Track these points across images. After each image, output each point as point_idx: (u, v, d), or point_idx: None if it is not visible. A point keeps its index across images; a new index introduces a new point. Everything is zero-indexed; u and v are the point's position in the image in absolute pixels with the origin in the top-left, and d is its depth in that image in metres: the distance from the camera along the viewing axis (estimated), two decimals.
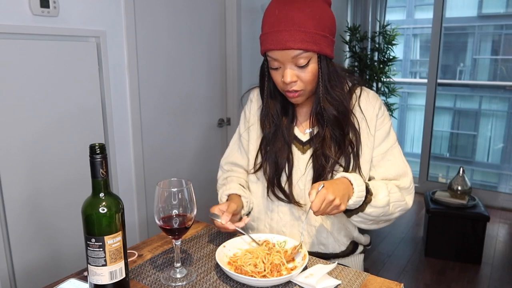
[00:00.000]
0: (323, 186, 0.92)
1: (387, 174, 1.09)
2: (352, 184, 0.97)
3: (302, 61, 0.98)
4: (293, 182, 1.12)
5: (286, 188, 1.12)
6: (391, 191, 1.04)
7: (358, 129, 1.08)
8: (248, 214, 1.21)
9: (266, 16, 1.01)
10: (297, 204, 1.12)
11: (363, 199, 0.98)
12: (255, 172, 1.17)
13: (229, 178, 1.24)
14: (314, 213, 0.91)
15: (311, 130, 1.11)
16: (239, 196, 1.15)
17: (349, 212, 1.03)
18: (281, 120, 1.12)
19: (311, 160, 1.10)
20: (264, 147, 1.14)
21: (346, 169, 1.07)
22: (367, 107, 1.09)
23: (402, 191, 1.09)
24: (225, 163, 1.30)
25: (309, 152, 1.11)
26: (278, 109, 1.12)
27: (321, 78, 1.01)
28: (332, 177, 1.07)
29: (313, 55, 0.98)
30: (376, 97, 1.12)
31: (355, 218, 1.03)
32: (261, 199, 1.18)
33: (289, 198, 1.12)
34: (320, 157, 1.06)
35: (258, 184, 1.18)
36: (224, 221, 1.00)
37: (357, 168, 1.08)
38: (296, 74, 0.99)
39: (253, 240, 1.04)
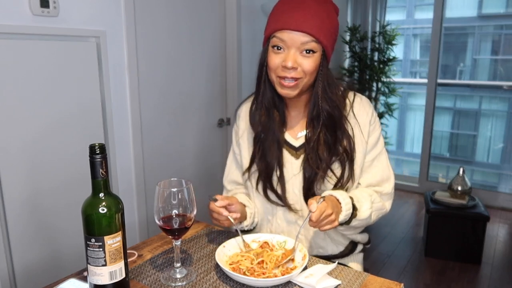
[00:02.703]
0: (323, 200, 0.93)
1: (372, 180, 1.13)
2: (340, 203, 1.00)
3: (309, 49, 0.97)
4: (286, 186, 1.11)
5: (279, 190, 1.12)
6: (374, 201, 1.08)
7: (352, 136, 1.07)
8: (252, 229, 1.20)
9: (283, 1, 1.02)
10: (291, 208, 1.12)
11: (350, 216, 1.02)
12: (248, 170, 1.16)
13: (235, 194, 1.23)
14: (311, 222, 0.92)
15: (305, 132, 1.09)
16: (244, 206, 1.14)
17: None
18: (274, 114, 1.09)
19: (302, 166, 1.09)
20: (255, 147, 1.13)
21: (341, 176, 1.08)
22: (361, 112, 1.10)
23: (383, 196, 1.13)
24: (227, 182, 1.28)
25: (302, 157, 1.10)
26: (269, 106, 1.09)
27: (320, 76, 1.01)
28: (324, 183, 1.08)
29: (319, 48, 0.99)
30: (368, 103, 1.13)
31: (339, 228, 1.09)
32: (261, 206, 1.19)
33: (282, 200, 1.11)
34: (315, 160, 1.05)
35: (254, 190, 1.18)
36: (218, 203, 0.99)
37: (351, 174, 1.09)
38: (298, 61, 0.98)
39: (242, 239, 1.03)
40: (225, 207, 1.02)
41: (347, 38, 3.73)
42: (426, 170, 3.94)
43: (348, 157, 1.07)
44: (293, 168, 1.10)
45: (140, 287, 0.90)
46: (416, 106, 4.66)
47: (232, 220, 1.02)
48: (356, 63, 3.70)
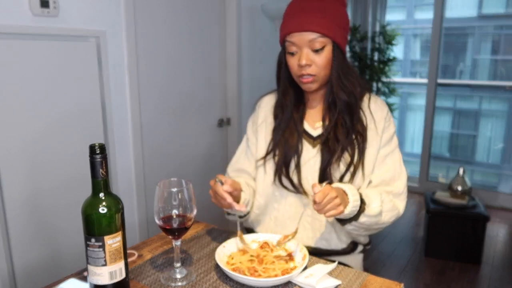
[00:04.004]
0: (326, 183, 0.94)
1: (383, 176, 1.13)
2: (346, 194, 1.00)
3: (318, 45, 1.06)
4: (302, 174, 1.15)
5: (295, 178, 1.15)
6: (384, 200, 1.08)
7: (365, 126, 1.13)
8: (243, 216, 1.21)
9: (289, 7, 1.12)
10: (305, 194, 1.16)
11: (358, 208, 1.01)
12: (265, 157, 1.19)
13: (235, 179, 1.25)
14: (315, 204, 0.92)
15: (322, 124, 1.16)
16: (241, 190, 1.16)
17: (343, 221, 1.06)
18: (293, 112, 1.17)
19: (320, 150, 1.13)
20: (276, 135, 1.18)
21: (350, 162, 1.11)
22: (376, 110, 1.16)
23: (395, 197, 1.13)
24: (232, 169, 1.31)
25: (319, 146, 1.15)
26: (291, 100, 1.18)
27: (334, 65, 1.09)
28: (339, 167, 1.11)
29: (328, 42, 1.07)
30: (384, 103, 1.20)
31: (348, 227, 1.07)
32: (268, 191, 1.21)
33: (296, 188, 1.15)
34: (333, 142, 1.11)
35: (266, 177, 1.20)
36: (225, 187, 1.01)
37: (360, 164, 1.11)
38: (311, 58, 1.07)
39: (241, 238, 1.03)
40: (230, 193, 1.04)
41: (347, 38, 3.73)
42: (426, 170, 3.94)
43: (361, 141, 1.12)
44: (309, 156, 1.15)
45: (140, 287, 0.90)
46: (416, 106, 4.66)
47: (235, 208, 1.02)
48: (356, 63, 3.70)
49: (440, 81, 3.80)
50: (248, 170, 1.27)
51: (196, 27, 2.27)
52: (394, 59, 3.59)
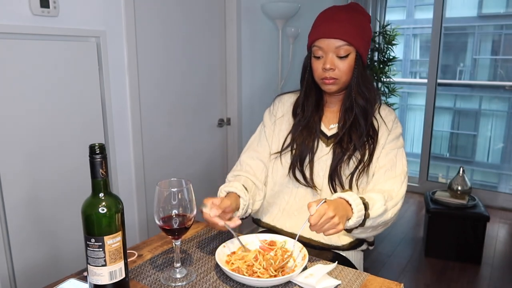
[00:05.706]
0: (324, 202, 0.94)
1: (385, 163, 1.19)
2: (350, 204, 1.02)
3: (342, 52, 1.15)
4: (314, 169, 1.23)
5: (307, 172, 1.23)
6: (387, 199, 1.11)
7: (377, 130, 1.22)
8: (244, 218, 1.21)
9: (319, 16, 1.21)
10: (315, 189, 1.22)
11: (363, 218, 1.03)
12: (281, 152, 1.27)
13: (238, 176, 1.27)
14: (311, 226, 0.93)
15: (336, 125, 1.25)
16: (238, 196, 1.15)
17: (349, 229, 1.08)
18: (312, 112, 1.26)
19: (333, 148, 1.21)
20: (295, 131, 1.26)
21: (360, 161, 1.18)
22: (386, 115, 1.26)
23: (396, 178, 1.18)
24: (245, 156, 1.33)
25: (332, 145, 1.23)
26: (312, 101, 1.26)
27: (355, 73, 1.18)
28: (349, 165, 1.19)
29: (352, 50, 1.16)
30: (392, 110, 1.30)
31: (355, 231, 1.10)
32: (283, 181, 1.26)
33: (307, 182, 1.22)
34: (346, 141, 1.20)
35: (281, 168, 1.26)
36: (212, 213, 0.99)
37: (369, 163, 1.19)
38: (335, 63, 1.16)
39: (241, 244, 1.02)
40: (220, 213, 1.01)
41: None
42: (426, 170, 3.94)
43: (372, 142, 1.20)
44: (322, 153, 1.23)
45: (140, 287, 0.90)
46: (416, 106, 4.67)
47: (230, 229, 1.00)
48: None
49: (440, 81, 3.80)
50: (260, 155, 1.31)
51: (196, 27, 2.27)
52: (394, 59, 3.58)
